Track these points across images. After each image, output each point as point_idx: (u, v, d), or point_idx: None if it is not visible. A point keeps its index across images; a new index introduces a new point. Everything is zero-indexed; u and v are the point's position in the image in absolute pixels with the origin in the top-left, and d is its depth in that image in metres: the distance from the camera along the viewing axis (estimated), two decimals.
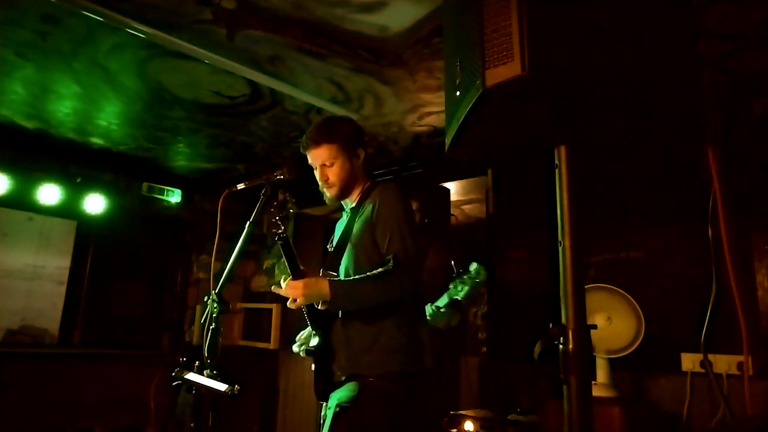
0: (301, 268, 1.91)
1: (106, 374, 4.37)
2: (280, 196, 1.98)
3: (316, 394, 1.94)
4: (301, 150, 2.07)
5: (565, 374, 1.09)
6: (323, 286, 1.81)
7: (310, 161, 2.06)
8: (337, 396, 1.82)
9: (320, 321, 1.93)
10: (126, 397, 4.42)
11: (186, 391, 1.98)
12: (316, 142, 2.02)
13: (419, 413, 1.87)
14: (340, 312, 1.90)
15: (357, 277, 1.86)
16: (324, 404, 1.92)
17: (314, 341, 1.95)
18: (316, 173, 2.05)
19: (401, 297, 1.80)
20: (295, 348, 2.09)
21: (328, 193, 2.04)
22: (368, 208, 1.93)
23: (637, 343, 2.58)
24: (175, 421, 4.49)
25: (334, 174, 2.01)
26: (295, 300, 1.84)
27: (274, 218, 1.94)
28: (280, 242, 1.93)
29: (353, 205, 2.04)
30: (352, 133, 2.07)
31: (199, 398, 2.03)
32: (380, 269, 1.83)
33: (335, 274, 2.00)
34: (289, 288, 1.85)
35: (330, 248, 2.10)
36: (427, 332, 1.96)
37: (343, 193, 2.05)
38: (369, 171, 2.13)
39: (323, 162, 2.02)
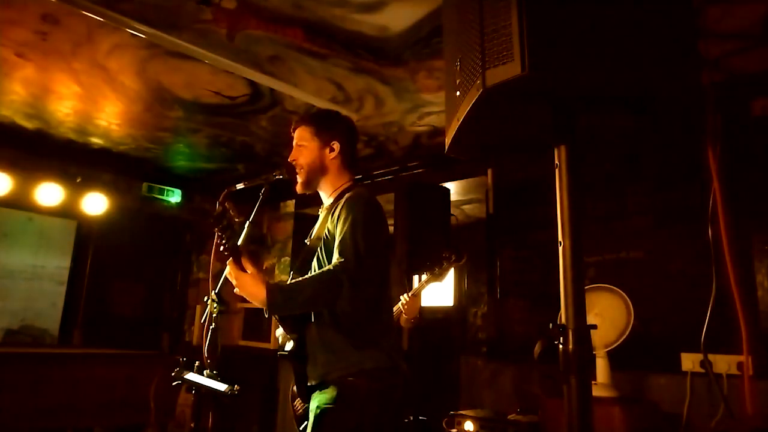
0: (248, 269, 1.80)
1: (106, 374, 4.36)
2: (218, 208, 1.90)
3: (300, 398, 1.94)
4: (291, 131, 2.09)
5: (565, 374, 1.08)
6: (259, 289, 1.72)
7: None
8: (318, 398, 1.79)
9: (293, 325, 1.90)
10: (126, 397, 4.42)
11: (186, 391, 1.96)
12: (297, 123, 2.06)
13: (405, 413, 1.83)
14: (312, 315, 1.86)
15: (299, 279, 1.81)
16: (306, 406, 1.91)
17: (289, 345, 1.93)
18: (291, 152, 2.04)
19: (343, 300, 1.70)
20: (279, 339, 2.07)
21: (298, 178, 2.01)
22: (338, 210, 1.89)
23: (628, 331, 2.58)
24: (175, 421, 4.49)
25: (302, 157, 1.99)
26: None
27: (217, 231, 1.84)
28: (226, 253, 1.82)
29: (328, 203, 2.01)
30: (330, 123, 2.04)
31: (199, 398, 2.03)
32: (323, 269, 1.79)
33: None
34: (229, 273, 1.79)
35: (308, 243, 2.08)
36: (396, 335, 1.96)
37: (309, 181, 2.00)
38: (352, 171, 2.05)
39: (297, 141, 2.03)
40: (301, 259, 2.01)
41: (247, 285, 1.76)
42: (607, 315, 2.66)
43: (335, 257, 1.77)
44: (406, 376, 1.86)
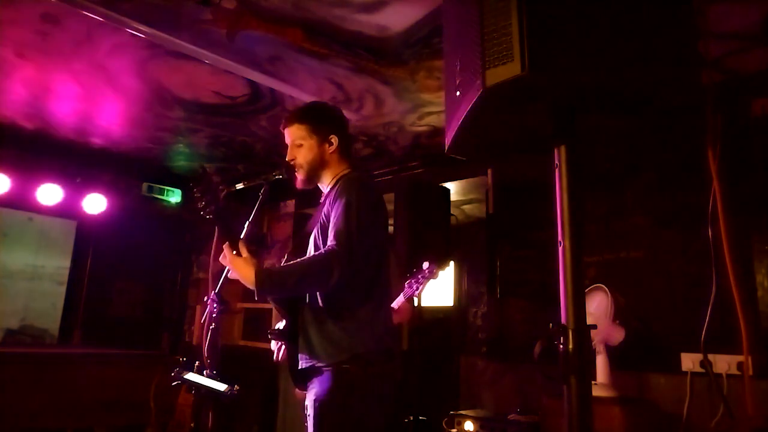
0: (240, 251, 1.83)
1: (106, 374, 4.37)
2: (199, 170, 1.91)
3: (292, 381, 1.93)
4: (281, 128, 2.08)
5: (565, 374, 1.09)
6: (249, 273, 1.75)
7: (286, 140, 2.05)
8: (314, 389, 1.78)
9: (287, 306, 1.91)
10: (126, 397, 4.43)
11: (186, 391, 1.97)
12: (289, 121, 2.02)
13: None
14: (307, 298, 1.87)
15: (290, 263, 1.83)
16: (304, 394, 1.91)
17: (281, 324, 1.93)
18: (288, 152, 2.03)
19: (332, 281, 1.70)
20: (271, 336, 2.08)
21: (298, 176, 2.01)
22: (334, 193, 1.89)
23: (612, 313, 2.60)
24: (175, 421, 4.49)
25: (301, 155, 1.98)
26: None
27: (195, 193, 1.86)
28: (209, 217, 1.86)
29: (327, 190, 2.01)
30: (325, 118, 2.03)
31: (199, 398, 2.03)
32: (315, 253, 1.81)
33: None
34: (224, 253, 1.83)
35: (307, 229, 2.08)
36: (389, 320, 1.94)
37: (310, 178, 2.01)
38: (350, 159, 2.05)
39: (293, 141, 2.01)
40: (299, 244, 2.02)
41: (239, 267, 1.79)
42: (595, 310, 2.68)
43: (329, 241, 1.78)
44: (400, 358, 1.85)
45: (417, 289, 2.67)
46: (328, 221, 1.86)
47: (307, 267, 1.76)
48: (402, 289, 2.71)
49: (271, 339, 2.01)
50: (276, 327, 2.02)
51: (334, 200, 1.85)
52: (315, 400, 1.76)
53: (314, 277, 1.74)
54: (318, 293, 1.83)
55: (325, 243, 1.85)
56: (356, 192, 1.83)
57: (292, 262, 1.82)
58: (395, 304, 2.68)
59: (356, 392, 1.73)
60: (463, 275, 5.78)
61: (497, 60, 1.04)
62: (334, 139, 1.99)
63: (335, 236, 1.75)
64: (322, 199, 2.03)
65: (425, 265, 2.67)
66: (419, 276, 2.66)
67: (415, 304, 3.10)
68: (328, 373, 1.75)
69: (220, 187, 1.88)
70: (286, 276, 1.77)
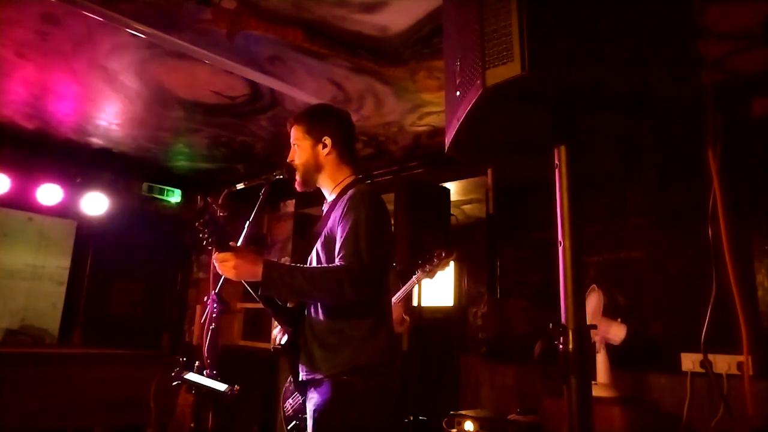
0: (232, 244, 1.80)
1: (106, 374, 4.36)
2: (200, 203, 1.90)
3: (297, 392, 1.94)
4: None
5: (565, 374, 1.09)
6: (257, 265, 1.72)
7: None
8: (314, 399, 1.77)
9: (288, 319, 1.90)
10: (126, 397, 4.42)
11: (186, 391, 1.97)
12: (291, 122, 2.05)
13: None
14: (306, 310, 1.86)
15: (299, 266, 1.82)
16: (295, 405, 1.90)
17: (284, 339, 1.93)
18: (289, 152, 2.04)
19: (340, 299, 1.71)
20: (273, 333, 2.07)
21: (297, 177, 2.00)
22: (341, 207, 1.86)
23: (602, 309, 2.62)
24: (175, 421, 4.49)
25: (298, 156, 1.99)
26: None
27: (198, 226, 1.82)
28: (210, 248, 1.80)
29: (331, 199, 1.99)
30: (321, 119, 2.01)
31: (199, 398, 2.03)
32: (328, 266, 1.79)
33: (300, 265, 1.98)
34: (218, 261, 1.77)
35: (308, 238, 2.07)
36: (391, 332, 1.92)
37: (306, 180, 1.99)
38: (352, 165, 2.03)
39: (292, 141, 2.02)
40: (300, 253, 2.01)
41: (243, 261, 1.74)
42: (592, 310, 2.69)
43: (337, 256, 1.76)
44: (400, 373, 1.85)
45: (430, 270, 2.69)
46: (333, 235, 1.84)
47: (316, 276, 1.73)
48: (414, 273, 2.73)
49: (276, 353, 2.00)
50: (280, 342, 2.01)
51: (342, 216, 1.81)
52: (314, 411, 1.75)
53: (321, 288, 1.71)
54: (320, 306, 1.83)
55: (328, 258, 1.84)
56: (366, 209, 1.80)
57: (301, 266, 1.80)
58: (406, 288, 2.70)
59: (356, 404, 1.72)
60: (463, 275, 5.79)
61: (497, 60, 1.04)
62: (328, 141, 1.96)
63: (345, 255, 1.72)
64: (326, 207, 2.00)
65: (437, 252, 2.71)
66: (434, 259, 2.69)
67: (415, 304, 3.11)
68: (327, 385, 1.75)
69: (221, 214, 1.85)
70: (293, 277, 1.74)
